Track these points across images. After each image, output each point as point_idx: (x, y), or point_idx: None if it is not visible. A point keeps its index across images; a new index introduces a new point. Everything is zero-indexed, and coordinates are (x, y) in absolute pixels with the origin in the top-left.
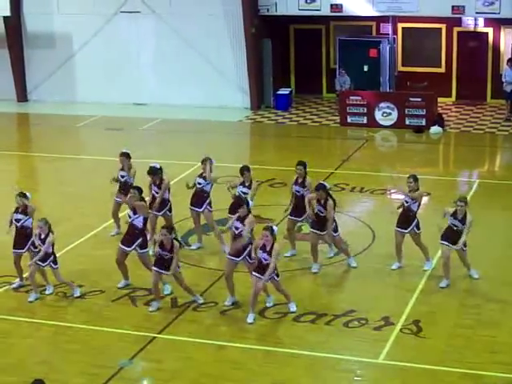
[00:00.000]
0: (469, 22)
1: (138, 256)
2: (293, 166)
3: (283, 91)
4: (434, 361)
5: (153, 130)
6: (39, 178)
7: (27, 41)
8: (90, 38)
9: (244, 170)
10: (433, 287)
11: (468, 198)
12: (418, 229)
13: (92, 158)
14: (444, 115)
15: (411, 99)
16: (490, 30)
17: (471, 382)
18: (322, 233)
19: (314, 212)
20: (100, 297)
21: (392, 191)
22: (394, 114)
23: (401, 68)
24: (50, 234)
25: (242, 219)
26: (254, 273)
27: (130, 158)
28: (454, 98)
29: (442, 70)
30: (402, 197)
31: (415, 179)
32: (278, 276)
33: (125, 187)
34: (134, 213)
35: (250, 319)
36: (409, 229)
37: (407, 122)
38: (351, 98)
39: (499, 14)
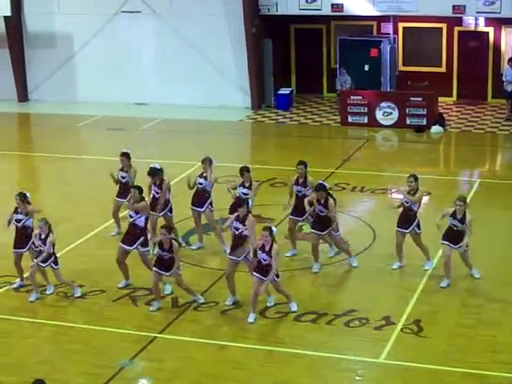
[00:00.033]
0: (469, 22)
1: (140, 254)
2: (293, 166)
3: (284, 91)
4: (435, 360)
5: (153, 129)
6: (40, 177)
7: (28, 40)
8: (91, 38)
9: (243, 170)
10: (433, 287)
11: (469, 197)
12: (419, 229)
13: (93, 157)
14: (445, 115)
15: (412, 99)
16: (490, 30)
17: (472, 381)
18: (322, 233)
19: (315, 212)
20: (101, 297)
21: (393, 191)
22: (395, 114)
23: (401, 67)
24: (50, 234)
25: (242, 220)
26: (254, 273)
27: (130, 158)
28: (454, 98)
29: (443, 69)
30: (401, 196)
31: (416, 179)
32: (277, 277)
33: (125, 188)
34: (136, 213)
35: (250, 319)
36: (410, 229)
37: (408, 122)
38: (352, 97)
39: (500, 13)
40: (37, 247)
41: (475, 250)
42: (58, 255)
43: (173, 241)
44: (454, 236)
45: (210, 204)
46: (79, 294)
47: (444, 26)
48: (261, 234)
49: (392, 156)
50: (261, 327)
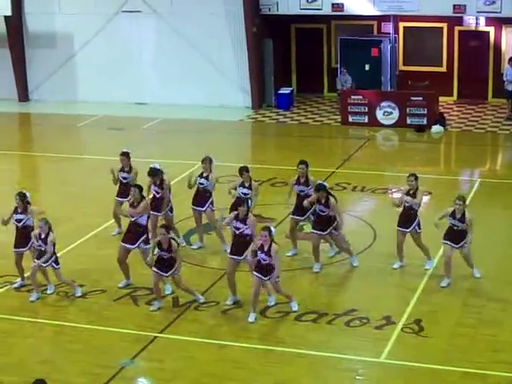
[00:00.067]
0: (470, 21)
1: (141, 251)
2: (294, 166)
3: (284, 90)
4: (435, 360)
5: (154, 129)
6: (40, 177)
7: (28, 40)
8: (91, 38)
9: (243, 170)
10: (434, 286)
11: (469, 197)
12: (419, 228)
13: (93, 157)
14: (445, 114)
15: (412, 98)
16: (491, 29)
17: (473, 381)
18: (323, 233)
19: (316, 212)
20: (101, 296)
21: (393, 190)
22: (396, 113)
23: (402, 67)
24: (50, 233)
25: (242, 219)
26: (254, 272)
27: (129, 157)
28: (455, 97)
29: (444, 69)
30: (400, 195)
31: (416, 178)
32: (277, 277)
33: (126, 188)
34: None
35: (251, 318)
36: (410, 228)
37: (408, 121)
38: (352, 97)
39: (500, 12)
40: (37, 247)
41: (476, 250)
42: (58, 255)
43: (171, 240)
44: (454, 236)
45: (211, 203)
46: (80, 294)
47: (444, 25)
48: (260, 234)
49: (392, 156)
50: (261, 327)
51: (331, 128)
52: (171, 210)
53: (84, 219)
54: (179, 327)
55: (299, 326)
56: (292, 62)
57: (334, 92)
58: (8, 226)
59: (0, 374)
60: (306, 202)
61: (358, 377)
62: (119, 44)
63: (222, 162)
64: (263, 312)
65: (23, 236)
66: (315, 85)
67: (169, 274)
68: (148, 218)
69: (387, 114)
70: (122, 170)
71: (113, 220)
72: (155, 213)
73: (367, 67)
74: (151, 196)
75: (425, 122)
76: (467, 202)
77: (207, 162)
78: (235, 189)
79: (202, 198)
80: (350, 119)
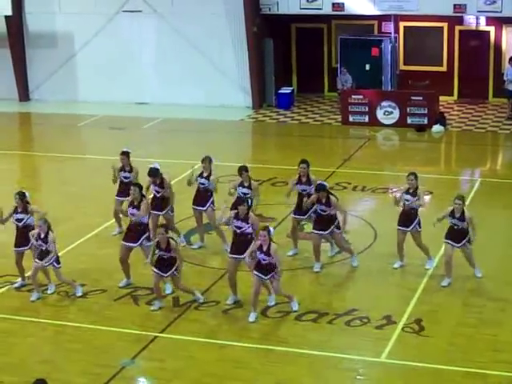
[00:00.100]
0: (470, 21)
1: (143, 249)
2: (294, 165)
3: (285, 90)
4: (436, 360)
5: (154, 129)
6: (41, 177)
7: (29, 40)
8: (92, 38)
9: (242, 169)
10: (435, 286)
11: (470, 196)
12: (420, 227)
13: (94, 157)
14: (446, 114)
15: (413, 98)
16: (491, 29)
17: (474, 380)
18: (324, 232)
19: (317, 212)
20: (102, 296)
21: (394, 190)
22: (396, 113)
23: (402, 67)
24: (50, 232)
25: (243, 218)
26: (254, 272)
27: (129, 157)
28: (455, 97)
29: (444, 68)
30: (399, 194)
31: (416, 177)
32: (278, 274)
33: (126, 187)
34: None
35: (251, 318)
36: (411, 227)
37: (409, 121)
38: (353, 96)
39: (501, 12)
40: (38, 246)
41: (476, 250)
42: (59, 254)
43: (170, 240)
44: (455, 235)
45: (212, 203)
46: (80, 294)
47: (445, 25)
48: (259, 234)
49: (393, 155)
50: (262, 326)
51: (332, 128)
52: (172, 210)
53: (84, 219)
54: (180, 327)
55: (300, 325)
56: (292, 62)
57: (334, 92)
58: (8, 225)
59: (0, 373)
60: (305, 204)
61: (358, 376)
62: (120, 44)
63: (223, 161)
64: (264, 312)
65: (24, 235)
66: (316, 84)
67: (168, 274)
68: (149, 215)
69: (388, 113)
70: (122, 169)
71: (113, 220)
72: (156, 212)
73: (367, 67)
74: (151, 196)
75: (425, 121)
76: (468, 202)
77: (207, 161)
78: (235, 189)
79: (202, 197)
80: (351, 119)
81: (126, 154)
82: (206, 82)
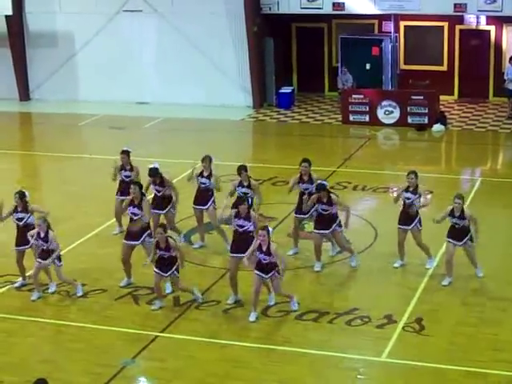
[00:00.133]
0: (471, 20)
1: (144, 247)
2: (295, 165)
3: (285, 90)
4: (436, 359)
5: (155, 128)
6: (41, 176)
7: (29, 40)
8: (92, 37)
9: (241, 169)
10: (435, 285)
11: (470, 196)
12: (421, 225)
13: (94, 156)
14: (446, 113)
15: (413, 97)
16: (492, 28)
17: (474, 380)
18: (326, 231)
19: (317, 212)
20: (102, 296)
21: (394, 189)
22: (397, 112)
23: (403, 66)
24: (50, 231)
25: (245, 217)
26: (255, 271)
27: (130, 155)
28: (456, 96)
29: (444, 68)
30: (396, 193)
31: (416, 175)
32: (278, 273)
33: (127, 186)
34: (141, 210)
35: (252, 318)
36: (412, 225)
37: (409, 120)
38: (353, 96)
39: (501, 11)
40: (40, 246)
41: (477, 249)
42: (60, 254)
43: (169, 239)
44: (457, 233)
45: (213, 202)
46: (81, 293)
47: (445, 24)
48: (258, 234)
49: (393, 155)
50: (262, 326)
51: (332, 127)
52: (174, 208)
53: (85, 218)
54: (180, 326)
55: (300, 325)
56: (293, 61)
57: (334, 91)
58: (8, 225)
59: (1, 373)
60: (305, 205)
61: (359, 376)
62: (120, 43)
63: (223, 161)
64: (264, 311)
65: (24, 234)
66: (316, 84)
67: (169, 273)
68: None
69: (388, 112)
70: (123, 168)
71: (114, 219)
72: (157, 211)
73: (368, 66)
74: (152, 195)
75: (426, 120)
76: (468, 201)
77: (207, 161)
78: (234, 189)
79: (203, 197)
80: (351, 118)
81: (126, 153)
82: (207, 81)
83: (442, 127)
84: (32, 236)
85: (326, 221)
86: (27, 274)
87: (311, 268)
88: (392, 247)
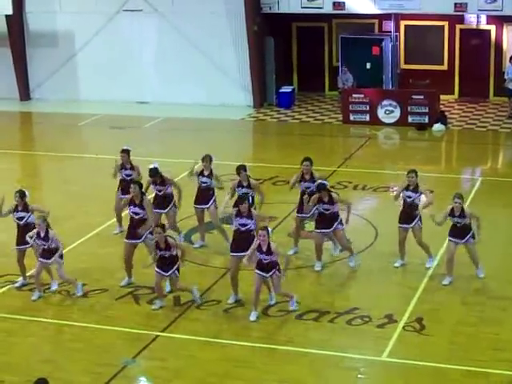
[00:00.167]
0: (471, 20)
1: (147, 244)
2: (295, 164)
3: (286, 89)
4: (437, 358)
5: (155, 128)
6: (42, 176)
7: (29, 39)
8: (93, 37)
9: (240, 169)
10: (436, 285)
11: (470, 195)
12: (421, 222)
13: (95, 156)
14: (446, 113)
15: (414, 97)
16: (492, 28)
17: (475, 379)
18: (328, 230)
19: (318, 211)
20: (103, 295)
21: (394, 188)
22: (397, 112)
23: (403, 65)
24: (49, 229)
25: (247, 215)
26: (256, 270)
27: (130, 154)
28: (456, 96)
29: (445, 67)
30: (399, 191)
31: (416, 174)
32: (279, 272)
33: (128, 185)
34: (143, 209)
35: (252, 317)
36: (413, 223)
37: (410, 120)
38: (354, 95)
39: (502, 11)
40: (41, 245)
41: (478, 248)
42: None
43: (168, 238)
44: (458, 232)
45: (215, 201)
46: (81, 293)
47: (446, 23)
48: (258, 234)
49: (394, 154)
50: (263, 326)
51: (332, 126)
52: (175, 206)
53: (85, 218)
54: (181, 326)
55: (301, 324)
56: (293, 61)
57: (335, 90)
58: (9, 224)
59: (1, 373)
60: (306, 206)
61: (359, 375)
62: (120, 43)
63: (224, 160)
64: (265, 311)
65: (25, 233)
66: (316, 83)
67: (170, 273)
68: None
69: (388, 112)
70: (123, 167)
71: (114, 219)
72: (158, 210)
73: (368, 66)
74: (153, 194)
75: (426, 120)
76: (468, 201)
77: (207, 160)
78: (234, 190)
79: (204, 196)
80: (352, 118)
81: (126, 152)
82: (207, 81)
83: (443, 127)
84: (31, 237)
85: (327, 220)
86: (28, 274)
87: (312, 267)
88: (392, 247)
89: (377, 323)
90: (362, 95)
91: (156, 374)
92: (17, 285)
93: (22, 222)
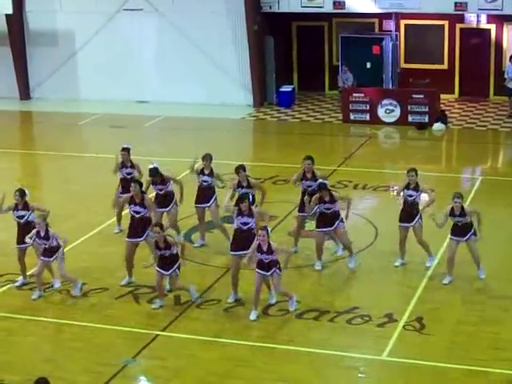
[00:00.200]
0: (471, 19)
1: (149, 242)
2: (296, 163)
3: (286, 88)
4: (437, 358)
5: (155, 127)
6: (42, 175)
7: (29, 38)
8: (93, 36)
9: (239, 169)
10: (436, 284)
11: (470, 194)
12: (422, 221)
13: (95, 155)
14: (447, 112)
15: (414, 96)
16: (492, 27)
17: (475, 378)
18: (330, 228)
19: (319, 211)
20: (103, 294)
21: (395, 188)
22: (397, 111)
23: (403, 65)
24: (49, 228)
25: (248, 214)
26: (257, 269)
27: (130, 153)
28: (456, 95)
29: (445, 66)
30: (400, 189)
31: (416, 173)
32: (279, 270)
33: (129, 184)
34: (144, 207)
35: (252, 316)
36: (414, 221)
37: (410, 119)
38: (354, 94)
39: (502, 10)
40: (42, 244)
41: (478, 248)
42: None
43: (167, 237)
44: (460, 230)
45: (216, 199)
46: (78, 293)
47: (446, 23)
48: (258, 234)
49: (394, 153)
50: (263, 325)
51: (332, 126)
52: (176, 204)
53: (86, 217)
54: (181, 325)
55: (301, 323)
56: (293, 60)
57: (335, 90)
58: (9, 224)
59: (2, 372)
60: (307, 207)
61: (359, 374)
62: (120, 42)
63: (223, 159)
64: (265, 310)
65: (26, 232)
66: (316, 82)
67: (170, 271)
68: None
69: (389, 111)
70: (123, 165)
71: (115, 218)
72: (160, 209)
73: (368, 65)
74: (154, 194)
75: (426, 119)
76: (469, 200)
77: (208, 159)
78: (234, 190)
79: (205, 195)
80: (352, 117)
81: (126, 150)
82: (207, 80)
83: (443, 126)
84: (31, 238)
85: (328, 218)
86: (28, 273)
87: (312, 267)
88: (392, 246)
89: (377, 322)
90: (362, 94)
91: (156, 374)
92: (17, 284)
93: (22, 221)
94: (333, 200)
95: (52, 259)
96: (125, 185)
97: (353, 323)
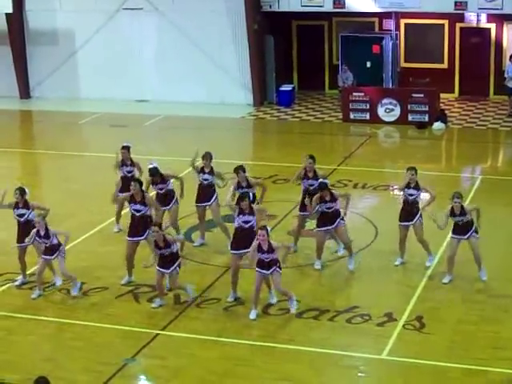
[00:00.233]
0: (471, 18)
1: (149, 240)
2: (295, 163)
3: (286, 87)
4: (437, 357)
5: (155, 126)
6: (42, 174)
7: (29, 37)
8: (93, 35)
9: (239, 169)
10: (436, 283)
11: (470, 194)
12: (422, 219)
13: (95, 154)
14: (447, 111)
15: (414, 95)
16: (492, 26)
17: (475, 378)
18: (331, 227)
19: (320, 210)
20: (103, 293)
21: (395, 187)
22: (397, 110)
23: (403, 64)
24: (49, 227)
25: (249, 212)
26: (257, 269)
27: (130, 151)
28: (456, 94)
29: (445, 65)
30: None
31: (416, 171)
32: (280, 269)
33: (129, 183)
34: (145, 206)
35: (252, 315)
36: (414, 220)
37: (410, 118)
38: (354, 94)
39: (502, 9)
40: (43, 243)
41: (479, 247)
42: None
43: (166, 236)
44: (461, 229)
45: (217, 198)
46: (76, 293)
47: (446, 22)
48: (258, 234)
49: (394, 152)
50: (263, 324)
51: (332, 125)
52: (177, 201)
53: (86, 216)
54: (181, 324)
55: (301, 323)
56: (293, 59)
57: (335, 89)
58: (9, 223)
59: (2, 371)
60: (309, 207)
61: (359, 374)
62: (120, 41)
63: (223, 159)
64: (265, 309)
65: (26, 230)
66: (316, 82)
67: (171, 270)
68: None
69: (389, 110)
70: (124, 164)
71: (115, 217)
72: (160, 208)
73: (368, 64)
74: (154, 193)
75: (426, 118)
76: (469, 199)
77: (208, 158)
78: (234, 192)
79: (206, 193)
80: (352, 116)
81: (126, 149)
82: (207, 79)
83: (443, 125)
84: (32, 238)
85: (329, 217)
86: (28, 272)
87: (312, 266)
88: (392, 245)
89: (377, 321)
90: (362, 93)
91: (156, 373)
92: (17, 283)
93: (22, 219)
94: (334, 199)
95: (53, 257)
96: (125, 183)
97: (353, 322)
